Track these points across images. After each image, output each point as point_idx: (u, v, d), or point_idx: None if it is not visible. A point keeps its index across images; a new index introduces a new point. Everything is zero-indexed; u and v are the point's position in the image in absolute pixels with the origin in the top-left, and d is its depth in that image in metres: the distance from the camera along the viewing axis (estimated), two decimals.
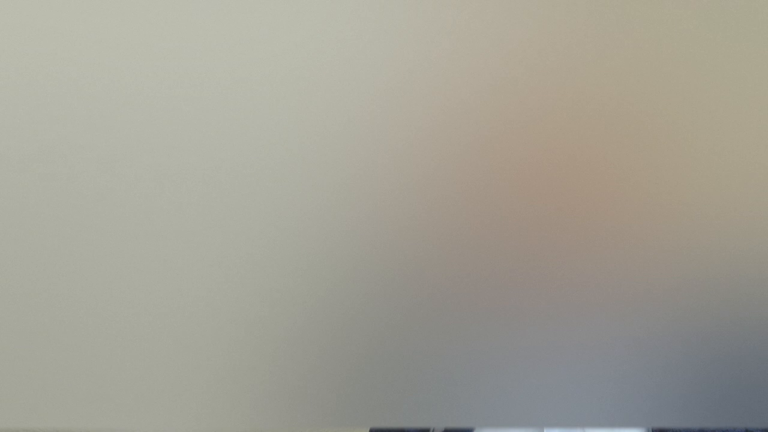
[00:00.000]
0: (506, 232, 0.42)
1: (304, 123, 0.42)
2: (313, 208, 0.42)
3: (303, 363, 0.43)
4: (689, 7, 0.40)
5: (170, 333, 0.43)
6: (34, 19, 0.41)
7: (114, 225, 0.43)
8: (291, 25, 0.41)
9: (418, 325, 0.43)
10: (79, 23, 0.41)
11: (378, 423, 0.44)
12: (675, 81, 0.41)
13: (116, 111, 0.42)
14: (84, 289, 0.43)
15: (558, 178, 0.42)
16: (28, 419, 0.43)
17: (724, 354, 0.43)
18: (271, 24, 0.41)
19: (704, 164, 0.41)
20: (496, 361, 0.43)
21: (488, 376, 0.43)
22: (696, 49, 0.40)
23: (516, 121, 0.41)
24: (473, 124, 0.41)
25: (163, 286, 0.43)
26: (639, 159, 0.41)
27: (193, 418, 0.44)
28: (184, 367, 0.43)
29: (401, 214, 0.42)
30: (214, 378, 0.44)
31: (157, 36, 0.41)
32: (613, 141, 0.41)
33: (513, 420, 0.43)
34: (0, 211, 0.42)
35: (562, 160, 0.41)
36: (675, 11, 0.40)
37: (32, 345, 0.43)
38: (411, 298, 0.43)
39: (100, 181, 0.42)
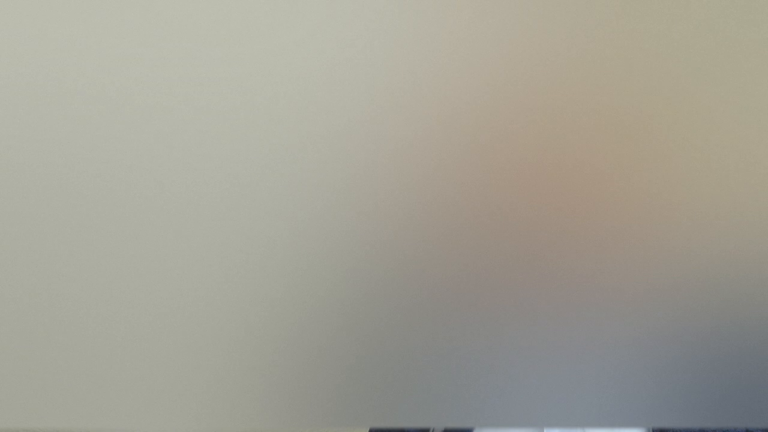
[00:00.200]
0: (506, 232, 0.42)
1: (303, 123, 0.42)
2: (313, 208, 0.42)
3: (303, 363, 0.43)
4: (689, 7, 0.40)
5: (170, 333, 0.43)
6: (34, 20, 0.41)
7: (114, 225, 0.43)
8: (292, 25, 0.41)
9: (418, 325, 0.43)
10: (79, 23, 0.41)
11: (378, 423, 0.44)
12: (675, 81, 0.41)
13: (116, 111, 0.42)
14: (84, 289, 0.43)
15: (558, 178, 0.42)
16: (28, 419, 0.43)
17: (724, 354, 0.43)
18: (272, 24, 0.41)
19: (704, 164, 0.41)
20: (496, 361, 0.43)
21: (488, 376, 0.43)
22: (696, 49, 0.40)
23: (516, 121, 0.41)
24: (473, 124, 0.41)
25: (163, 286, 0.43)
26: (639, 159, 0.41)
27: (193, 418, 0.44)
28: (184, 367, 0.43)
29: (401, 214, 0.42)
30: (214, 378, 0.44)
31: (158, 36, 0.41)
32: (613, 141, 0.41)
33: (513, 420, 0.43)
34: (0, 212, 0.42)
35: (562, 160, 0.41)
36: (675, 11, 0.40)
37: (32, 345, 0.43)
38: (411, 298, 0.43)
39: (101, 181, 0.42)
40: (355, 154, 0.42)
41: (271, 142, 0.42)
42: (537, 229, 0.42)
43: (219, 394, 0.44)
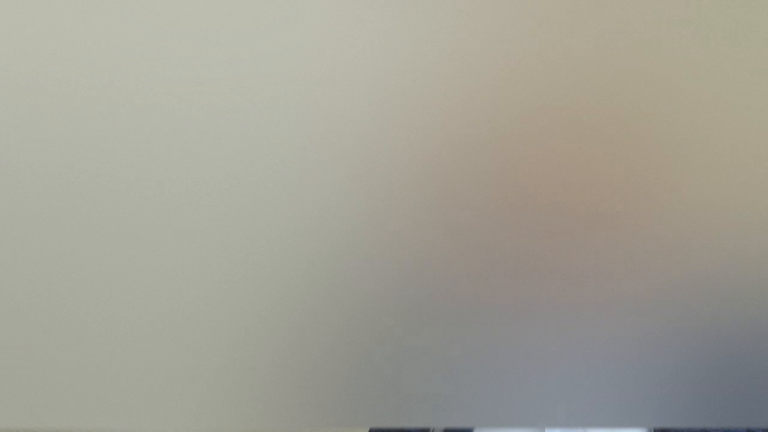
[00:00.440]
0: (507, 232, 0.42)
1: (303, 123, 0.42)
2: (314, 208, 0.42)
3: (303, 363, 0.43)
4: (689, 7, 0.40)
5: (170, 333, 0.43)
6: (34, 20, 0.41)
7: (114, 225, 0.43)
8: (293, 25, 0.41)
9: (418, 325, 0.43)
10: (80, 23, 0.41)
11: (378, 423, 0.44)
12: (675, 81, 0.41)
13: (117, 111, 0.42)
14: (84, 289, 0.43)
15: (559, 178, 0.42)
16: (28, 419, 0.43)
17: (725, 354, 0.43)
18: (273, 24, 0.41)
19: (705, 164, 0.41)
20: (496, 361, 0.43)
21: (488, 376, 0.43)
22: (696, 49, 0.40)
23: (517, 121, 0.41)
24: (473, 125, 0.41)
25: (163, 286, 0.43)
26: (640, 159, 0.41)
27: (193, 418, 0.44)
28: (184, 367, 0.44)
29: (401, 213, 0.42)
30: (214, 378, 0.44)
31: (158, 36, 0.41)
32: (614, 141, 0.41)
33: (513, 420, 0.43)
34: (0, 212, 0.43)
35: (562, 160, 0.41)
36: (675, 11, 0.40)
37: (32, 345, 0.43)
38: (411, 298, 0.43)
39: (101, 181, 0.42)
40: (354, 153, 0.42)
41: (272, 142, 0.42)
42: (537, 230, 0.42)
43: (219, 394, 0.44)
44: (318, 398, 0.44)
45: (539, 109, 0.41)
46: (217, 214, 0.43)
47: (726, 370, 0.43)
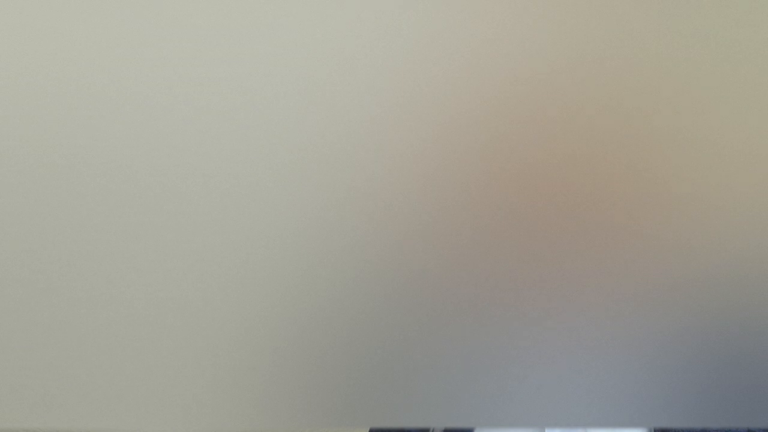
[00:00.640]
0: (506, 233, 0.42)
1: (304, 124, 0.42)
2: (314, 209, 0.42)
3: (303, 363, 0.43)
4: (689, 7, 0.40)
5: (170, 333, 0.43)
6: (34, 20, 0.41)
7: (114, 226, 0.43)
8: (293, 26, 0.41)
9: (418, 326, 0.43)
10: (80, 23, 0.41)
11: (378, 423, 0.44)
12: (675, 81, 0.41)
13: (118, 111, 0.42)
14: (84, 289, 0.43)
15: (558, 179, 0.42)
16: (28, 419, 0.43)
17: (725, 354, 0.43)
18: (273, 24, 0.41)
19: (705, 164, 0.41)
20: (497, 361, 0.43)
21: (488, 376, 0.43)
22: (696, 49, 0.40)
23: (517, 123, 0.41)
24: (475, 126, 0.41)
25: (163, 286, 0.43)
26: (641, 160, 0.41)
27: (193, 418, 0.44)
28: (184, 367, 0.44)
29: (402, 215, 0.42)
30: (214, 378, 0.44)
31: (159, 36, 0.41)
32: (614, 142, 0.41)
33: (513, 420, 0.43)
34: (0, 212, 0.43)
35: (561, 162, 0.41)
36: (675, 11, 0.40)
37: (32, 345, 0.43)
38: (411, 299, 0.43)
39: (101, 181, 0.42)
40: (354, 155, 0.42)
41: (272, 143, 0.42)
42: (537, 230, 0.42)
43: (219, 394, 0.44)
44: (318, 398, 0.44)
45: (540, 110, 0.41)
46: (217, 214, 0.43)
47: (726, 370, 0.43)
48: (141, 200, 0.43)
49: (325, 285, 0.43)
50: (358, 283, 0.43)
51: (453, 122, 0.41)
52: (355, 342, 0.43)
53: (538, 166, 0.41)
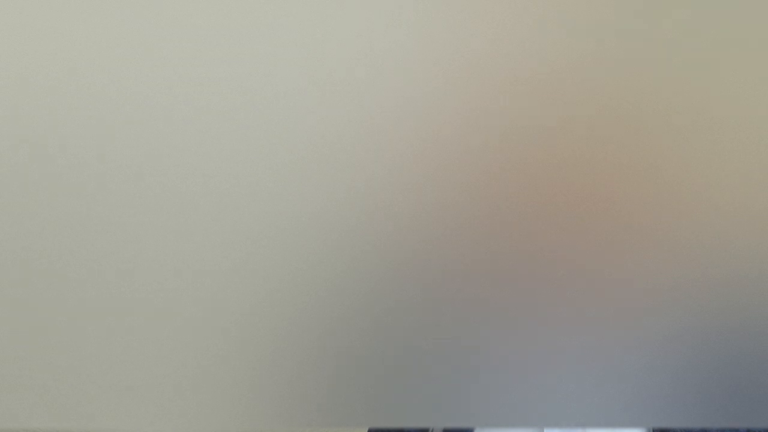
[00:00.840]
0: (506, 233, 0.42)
1: (304, 124, 0.42)
2: (314, 208, 0.42)
3: (303, 363, 0.43)
4: (689, 7, 0.40)
5: (170, 333, 0.43)
6: (35, 20, 0.41)
7: (114, 226, 0.43)
8: (293, 26, 0.41)
9: (418, 325, 0.43)
10: (80, 23, 0.41)
11: (378, 423, 0.44)
12: (676, 81, 0.41)
13: (118, 111, 0.42)
14: (84, 289, 0.43)
15: (559, 179, 0.42)
16: (28, 419, 0.43)
17: (725, 354, 0.43)
18: (273, 24, 0.41)
19: (707, 165, 0.41)
20: (496, 361, 0.43)
21: (488, 376, 0.43)
22: (696, 49, 0.40)
23: (517, 123, 0.41)
24: (474, 126, 0.41)
25: (163, 286, 0.43)
26: (643, 161, 0.41)
27: (193, 418, 0.44)
28: (184, 367, 0.44)
29: (401, 214, 0.42)
30: (214, 378, 0.44)
31: (159, 36, 0.41)
32: (615, 142, 0.41)
33: (513, 420, 0.43)
34: (0, 212, 0.43)
35: (563, 161, 0.41)
36: (675, 11, 0.40)
37: (32, 345, 0.43)
38: (411, 299, 0.43)
39: (102, 181, 0.42)
40: (353, 155, 0.42)
41: (273, 143, 0.42)
42: (537, 230, 0.42)
43: (219, 394, 0.44)
44: (318, 398, 0.44)
45: (541, 110, 0.41)
46: (217, 214, 0.43)
47: (726, 370, 0.43)
48: (141, 200, 0.43)
49: (325, 285, 0.43)
50: (358, 283, 0.43)
51: (453, 122, 0.41)
52: (355, 342, 0.43)
53: (538, 166, 0.41)
